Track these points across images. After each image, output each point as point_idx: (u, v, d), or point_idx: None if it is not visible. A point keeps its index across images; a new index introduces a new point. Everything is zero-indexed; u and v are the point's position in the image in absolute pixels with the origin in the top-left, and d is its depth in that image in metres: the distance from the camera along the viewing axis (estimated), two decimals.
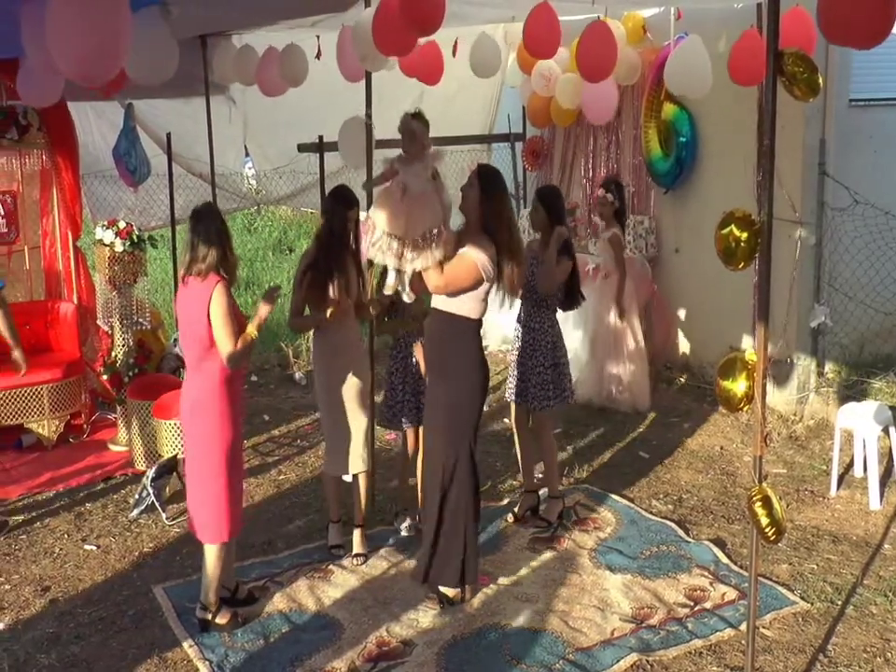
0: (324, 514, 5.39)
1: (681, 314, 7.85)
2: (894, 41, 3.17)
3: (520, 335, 5.38)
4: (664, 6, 6.87)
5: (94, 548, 5.29)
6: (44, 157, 7.11)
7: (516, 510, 5.50)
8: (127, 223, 6.77)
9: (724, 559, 4.98)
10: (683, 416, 7.16)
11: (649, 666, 4.06)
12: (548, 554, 5.08)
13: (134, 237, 6.67)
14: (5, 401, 6.60)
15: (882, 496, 5.57)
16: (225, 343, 4.15)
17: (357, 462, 4.98)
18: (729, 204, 3.68)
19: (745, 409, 3.49)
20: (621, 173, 8.19)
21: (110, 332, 6.96)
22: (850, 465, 5.95)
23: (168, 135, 7.32)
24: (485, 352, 4.67)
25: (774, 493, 3.45)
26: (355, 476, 5.04)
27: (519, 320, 5.39)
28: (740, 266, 3.35)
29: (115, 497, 5.98)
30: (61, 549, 5.29)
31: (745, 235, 3.28)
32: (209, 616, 4.37)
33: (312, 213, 11.24)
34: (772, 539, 3.44)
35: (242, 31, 6.69)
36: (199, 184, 7.94)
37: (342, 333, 4.94)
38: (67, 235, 7.26)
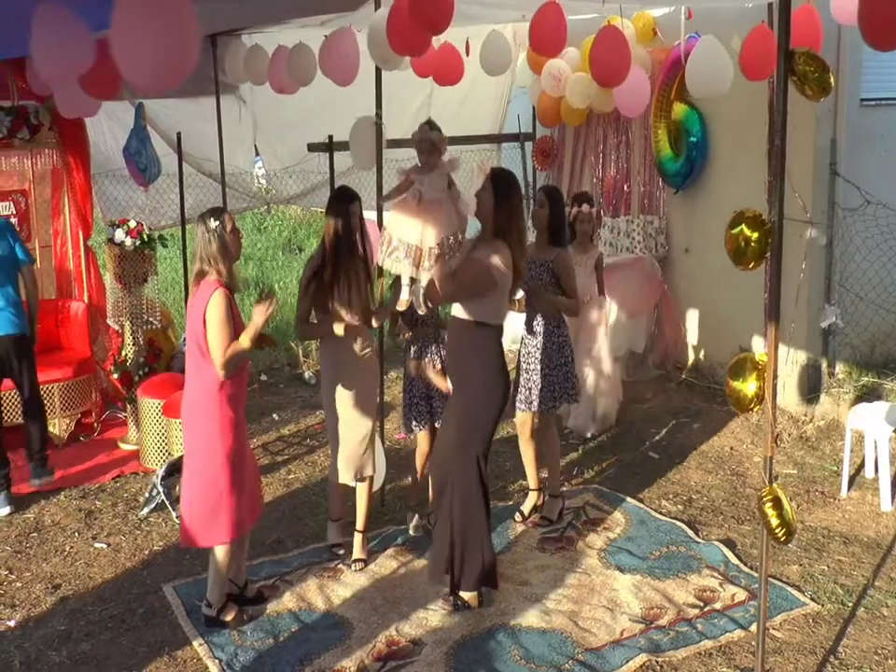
0: (350, 507, 5.34)
1: (691, 314, 7.83)
2: None
3: (526, 340, 5.38)
4: (674, 5, 6.85)
5: (105, 546, 5.31)
6: (55, 156, 7.14)
7: (523, 508, 5.51)
8: (137, 222, 6.81)
9: (734, 560, 4.96)
10: (693, 417, 7.14)
11: (658, 667, 4.06)
12: (557, 555, 5.08)
13: (145, 236, 6.71)
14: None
15: (893, 497, 5.54)
16: (215, 351, 4.10)
17: (346, 473, 4.92)
18: (739, 204, 3.68)
19: (755, 409, 3.48)
20: (630, 172, 8.18)
21: (120, 331, 6.99)
22: (861, 466, 5.93)
23: (178, 135, 7.34)
24: None
25: (784, 494, 3.44)
26: (359, 481, 4.99)
27: (525, 323, 5.38)
28: (750, 266, 3.35)
29: (125, 495, 6.00)
30: (71, 547, 5.32)
31: (755, 235, 3.28)
32: (214, 613, 4.38)
33: (321, 212, 11.23)
34: (782, 539, 3.43)
35: (252, 30, 6.71)
36: (209, 183, 7.96)
37: (347, 342, 4.80)
38: (78, 234, 7.29)
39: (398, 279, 5.02)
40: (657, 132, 7.62)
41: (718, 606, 4.53)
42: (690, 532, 5.30)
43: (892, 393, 6.63)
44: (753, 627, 4.06)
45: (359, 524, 5.04)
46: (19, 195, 7.27)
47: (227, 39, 6.81)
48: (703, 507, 5.66)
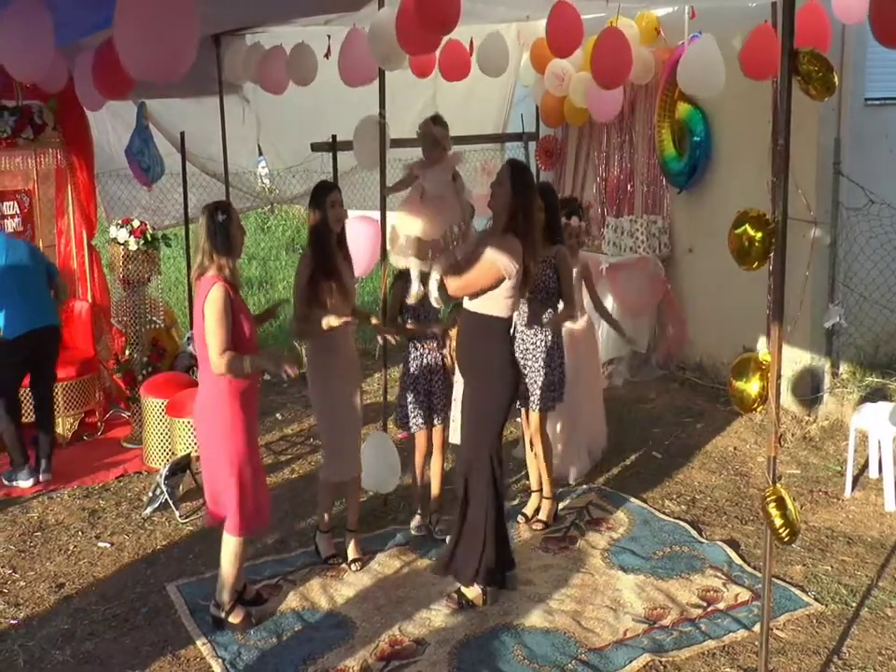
0: (336, 513, 5.36)
1: (695, 314, 7.82)
2: None
3: (524, 336, 5.31)
4: (677, 5, 6.84)
5: (108, 545, 5.32)
6: (59, 156, 7.13)
7: (525, 510, 5.51)
8: (141, 222, 6.82)
9: (738, 560, 4.96)
10: (696, 417, 7.13)
11: (661, 667, 4.05)
12: (560, 554, 5.08)
13: (148, 236, 6.71)
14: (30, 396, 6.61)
15: None
16: (210, 346, 4.06)
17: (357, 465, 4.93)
18: (743, 204, 3.67)
19: (759, 409, 3.48)
20: (634, 172, 8.17)
21: (124, 331, 6.99)
22: (865, 466, 5.92)
23: (182, 134, 7.34)
24: None
25: (788, 494, 3.43)
26: (348, 480, 4.96)
27: (524, 321, 5.30)
28: (754, 266, 3.34)
29: (128, 494, 6.01)
30: (75, 546, 5.32)
31: (759, 235, 3.26)
32: (222, 614, 4.38)
33: None
34: (786, 539, 3.42)
35: (255, 30, 6.71)
36: (212, 183, 7.96)
37: (336, 338, 4.75)
38: (82, 234, 7.29)
39: (400, 276, 5.03)
40: (661, 131, 7.61)
41: (721, 606, 4.53)
42: (693, 532, 5.30)
43: None
44: (757, 627, 4.05)
45: (351, 523, 5.03)
46: (23, 195, 7.28)
47: (230, 38, 6.81)
48: (706, 507, 5.66)
